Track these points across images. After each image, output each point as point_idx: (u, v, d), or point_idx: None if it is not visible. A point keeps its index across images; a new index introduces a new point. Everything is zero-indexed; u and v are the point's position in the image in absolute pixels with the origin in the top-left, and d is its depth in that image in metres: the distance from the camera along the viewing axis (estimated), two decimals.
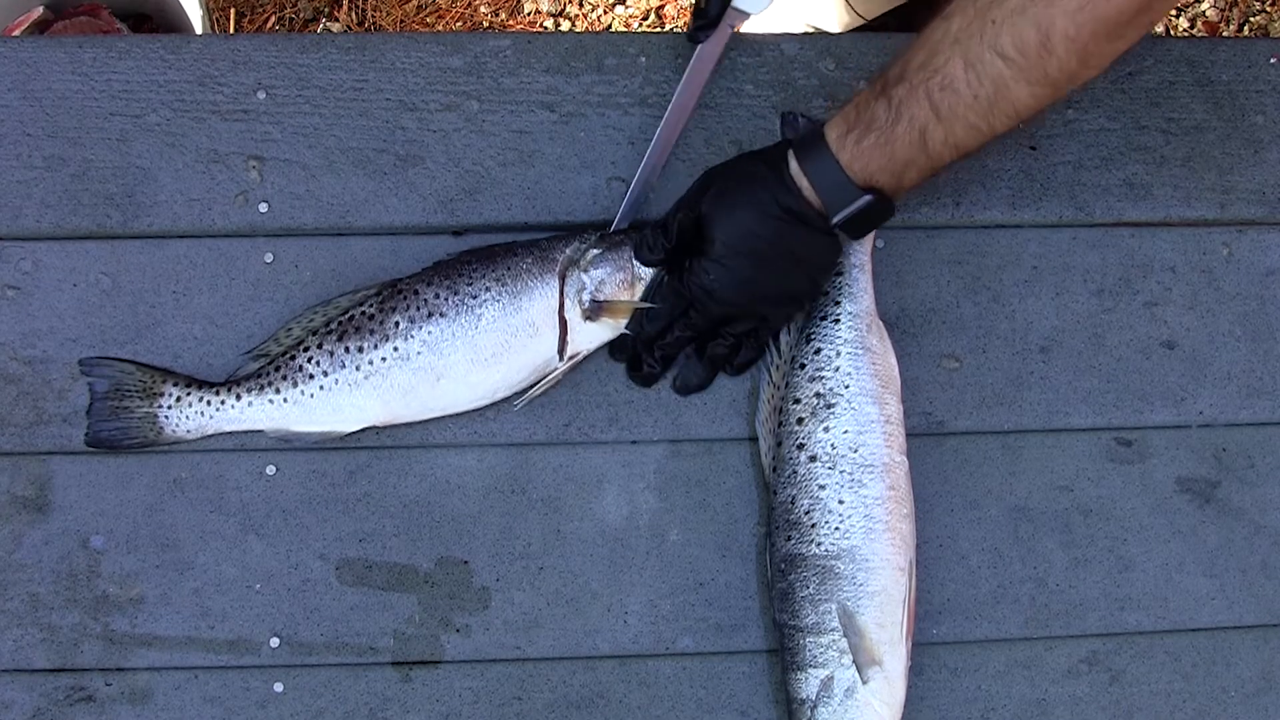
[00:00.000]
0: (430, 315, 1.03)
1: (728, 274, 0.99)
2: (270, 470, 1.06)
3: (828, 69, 1.13)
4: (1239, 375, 1.13)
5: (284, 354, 1.04)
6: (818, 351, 1.04)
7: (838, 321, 1.05)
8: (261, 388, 1.03)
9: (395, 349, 1.02)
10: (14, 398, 1.05)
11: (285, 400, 1.03)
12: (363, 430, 1.05)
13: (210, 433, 1.04)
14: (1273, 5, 2.06)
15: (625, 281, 1.04)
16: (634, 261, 1.04)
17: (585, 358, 1.06)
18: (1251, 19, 2.06)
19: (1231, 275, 1.14)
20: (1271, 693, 1.10)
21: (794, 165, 0.98)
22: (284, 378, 1.03)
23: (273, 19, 1.97)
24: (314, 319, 1.05)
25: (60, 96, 1.08)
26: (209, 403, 1.04)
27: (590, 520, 1.07)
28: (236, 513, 1.05)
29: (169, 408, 1.04)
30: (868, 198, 0.96)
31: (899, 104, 0.93)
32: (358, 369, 1.03)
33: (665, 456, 1.08)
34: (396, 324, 1.03)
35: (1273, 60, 1.17)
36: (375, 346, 1.03)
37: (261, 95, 1.09)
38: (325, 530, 1.06)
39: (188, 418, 1.04)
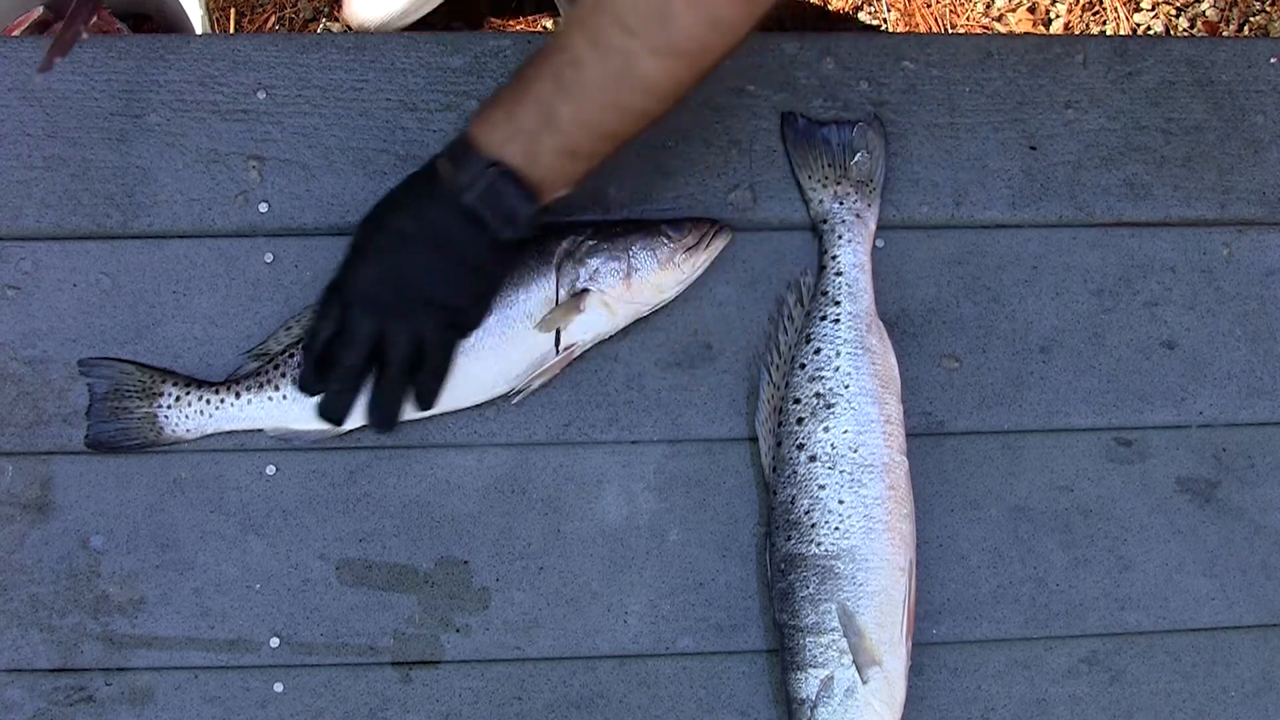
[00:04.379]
0: None
1: (368, 264, 0.95)
2: (270, 470, 1.06)
3: (828, 69, 1.13)
4: (1239, 375, 1.13)
5: (283, 352, 1.04)
6: (818, 351, 1.04)
7: (838, 321, 1.05)
8: (261, 385, 1.03)
9: None
10: (14, 398, 1.05)
11: (285, 397, 1.03)
12: (362, 429, 1.05)
13: (210, 432, 1.04)
14: (1273, 5, 2.06)
15: (621, 272, 1.04)
16: (630, 252, 1.04)
17: (582, 353, 1.06)
18: (1251, 19, 2.06)
19: (1231, 275, 1.14)
20: (1271, 693, 1.10)
21: (441, 156, 0.96)
22: (283, 375, 1.03)
23: (273, 19, 1.97)
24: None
25: (60, 96, 1.08)
26: (209, 402, 1.03)
27: (590, 520, 1.07)
28: (236, 513, 1.05)
29: (168, 407, 1.04)
30: (493, 168, 0.91)
31: (527, 82, 0.91)
32: None
33: (665, 456, 1.08)
34: None
35: (1273, 60, 1.17)
36: None
37: (261, 95, 1.09)
38: (325, 530, 1.06)
39: (187, 417, 1.04)
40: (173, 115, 1.09)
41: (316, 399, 1.00)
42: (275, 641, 1.04)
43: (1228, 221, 1.15)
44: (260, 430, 1.04)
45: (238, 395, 1.03)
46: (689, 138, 1.11)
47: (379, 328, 0.96)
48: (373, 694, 1.04)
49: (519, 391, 1.06)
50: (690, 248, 1.05)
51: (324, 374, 0.98)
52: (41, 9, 1.56)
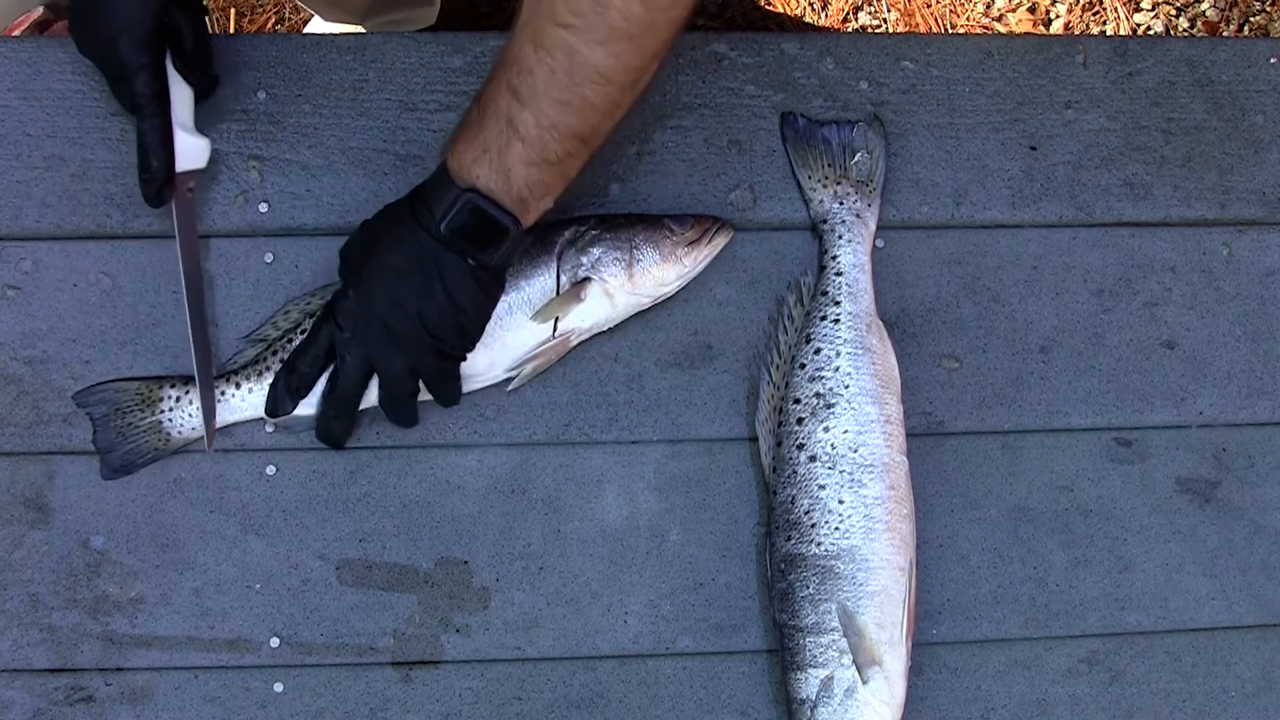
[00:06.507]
0: None
1: (354, 296, 0.96)
2: (270, 470, 1.06)
3: (828, 69, 1.13)
4: (1239, 375, 1.13)
5: (281, 338, 1.04)
6: (818, 351, 1.04)
7: (838, 321, 1.05)
8: (260, 373, 1.03)
9: None
10: (14, 398, 1.05)
11: None
12: (362, 429, 1.05)
13: (216, 427, 1.04)
14: (1273, 5, 2.06)
15: (623, 262, 1.04)
16: (633, 243, 1.04)
17: (582, 354, 1.06)
18: (1251, 19, 2.06)
19: (1231, 275, 1.14)
20: (1271, 693, 1.10)
21: (426, 182, 0.96)
22: (281, 361, 1.03)
23: (273, 19, 1.96)
24: (311, 302, 1.05)
25: (60, 96, 1.08)
26: None
27: (590, 520, 1.07)
28: (236, 513, 1.05)
29: (170, 410, 1.03)
30: (466, 195, 0.92)
31: (486, 100, 0.91)
32: None
33: (665, 456, 1.08)
34: None
35: (1273, 60, 1.17)
36: None
37: (261, 95, 1.09)
38: (325, 530, 1.06)
39: (191, 416, 1.03)
40: None
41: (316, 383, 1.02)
42: (275, 641, 1.04)
43: (1228, 221, 1.15)
44: (262, 419, 1.04)
45: (238, 386, 1.03)
46: (689, 138, 1.11)
47: (369, 359, 0.98)
48: (373, 694, 1.04)
49: (514, 379, 1.06)
50: (692, 242, 1.05)
51: (298, 395, 1.01)
52: (41, 9, 1.56)
